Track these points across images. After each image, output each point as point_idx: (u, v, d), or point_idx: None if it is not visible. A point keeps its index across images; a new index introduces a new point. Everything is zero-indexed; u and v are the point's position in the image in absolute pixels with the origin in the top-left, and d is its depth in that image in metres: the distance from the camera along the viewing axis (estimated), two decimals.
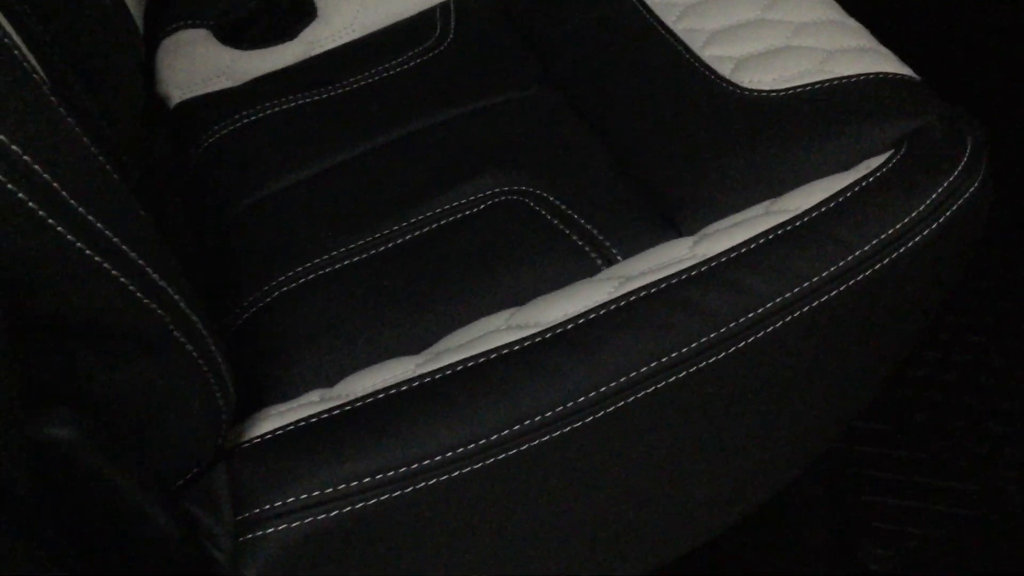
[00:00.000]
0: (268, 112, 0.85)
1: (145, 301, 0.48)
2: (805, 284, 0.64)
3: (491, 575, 0.65)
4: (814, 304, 0.64)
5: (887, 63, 0.76)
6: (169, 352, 0.51)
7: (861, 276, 0.65)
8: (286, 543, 0.57)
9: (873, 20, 0.82)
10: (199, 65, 0.91)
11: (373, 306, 0.69)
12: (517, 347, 0.62)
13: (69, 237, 0.44)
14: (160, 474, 0.55)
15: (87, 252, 0.44)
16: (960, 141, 0.70)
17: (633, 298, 0.63)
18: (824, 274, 0.64)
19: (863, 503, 1.00)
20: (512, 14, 0.90)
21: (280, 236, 0.76)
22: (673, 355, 0.61)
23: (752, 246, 0.65)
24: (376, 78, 0.87)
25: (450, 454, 0.58)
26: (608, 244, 0.71)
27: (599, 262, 0.70)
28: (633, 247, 0.70)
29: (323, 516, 0.57)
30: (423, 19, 0.90)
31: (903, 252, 0.66)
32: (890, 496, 1.00)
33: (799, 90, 0.75)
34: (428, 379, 0.61)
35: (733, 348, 0.62)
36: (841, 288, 0.64)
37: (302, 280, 0.72)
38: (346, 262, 0.73)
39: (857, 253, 0.65)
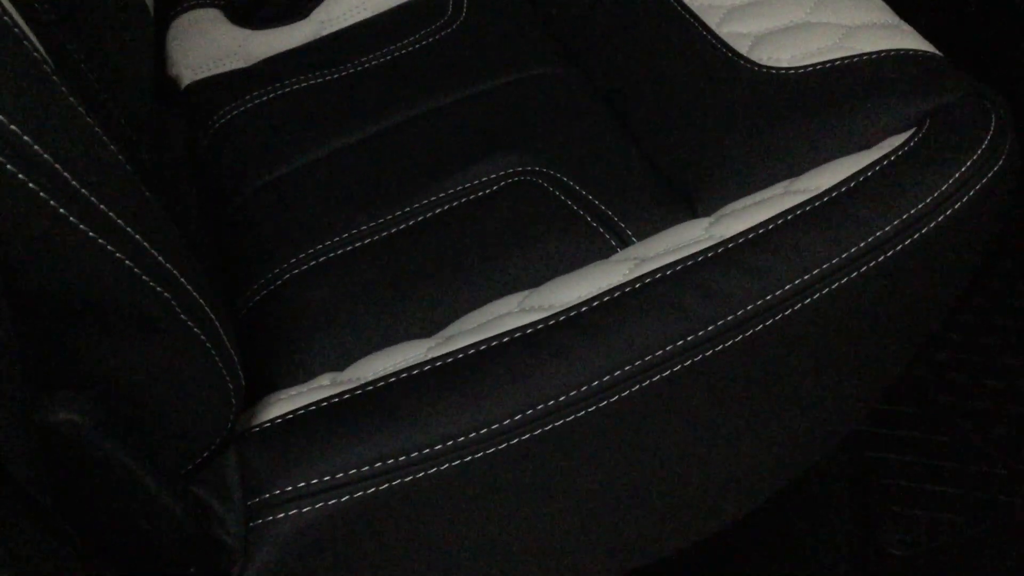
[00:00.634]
0: (279, 93, 0.85)
1: (149, 282, 0.47)
2: (824, 266, 0.62)
3: (503, 561, 0.64)
4: (833, 287, 0.62)
5: (908, 39, 0.74)
6: (175, 334, 0.50)
7: (882, 258, 0.63)
8: (296, 528, 0.56)
9: None
10: (210, 45, 0.90)
11: (384, 288, 0.69)
12: (530, 330, 0.61)
13: (71, 218, 0.43)
14: (169, 459, 0.55)
15: (90, 233, 0.44)
16: (984, 118, 0.68)
17: (648, 280, 0.62)
18: (844, 256, 0.63)
19: (884, 487, 0.98)
20: None
21: (291, 218, 0.75)
22: (688, 339, 0.60)
23: (770, 227, 0.64)
24: (388, 57, 0.86)
25: (462, 439, 0.58)
26: (623, 225, 0.69)
27: (613, 243, 0.69)
28: (648, 228, 0.69)
29: (334, 501, 0.56)
30: None
31: (925, 232, 0.64)
32: (912, 480, 0.98)
33: (818, 67, 0.73)
34: (440, 363, 0.60)
35: (750, 332, 0.61)
36: (861, 270, 0.63)
37: (313, 262, 0.71)
38: (357, 244, 0.72)
39: (878, 234, 0.63)
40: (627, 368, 0.59)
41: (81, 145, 0.44)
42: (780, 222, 0.64)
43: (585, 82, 0.80)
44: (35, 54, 0.43)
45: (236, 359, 0.54)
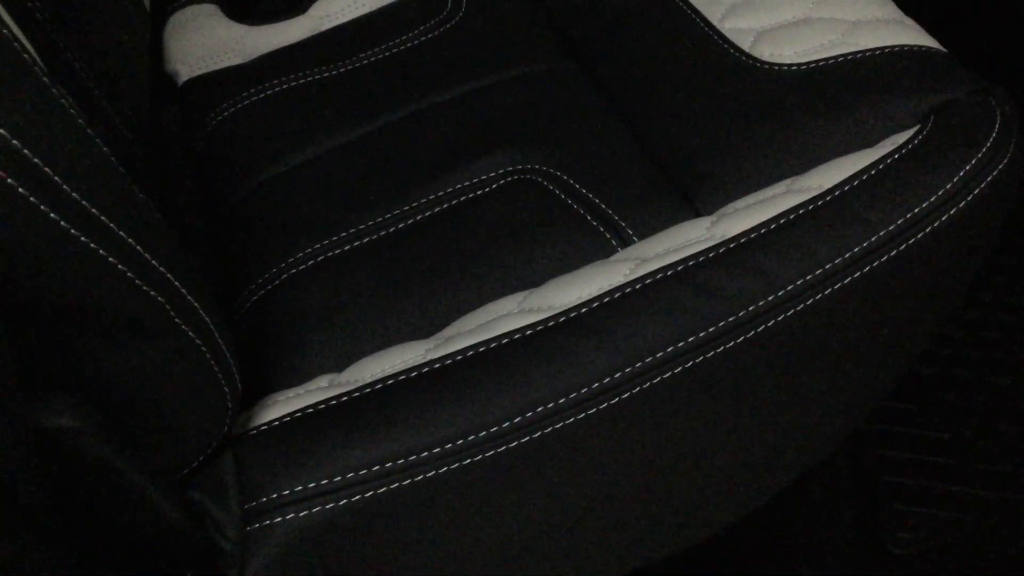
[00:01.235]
0: (277, 89, 0.84)
1: (142, 286, 0.46)
2: (827, 266, 0.62)
3: (504, 564, 0.63)
4: (836, 287, 0.62)
5: (912, 35, 0.74)
6: (170, 338, 0.50)
7: (885, 257, 0.63)
8: (294, 532, 0.56)
9: None
10: (207, 41, 0.89)
11: (383, 288, 0.68)
12: (529, 331, 0.60)
13: (62, 223, 0.42)
14: (165, 462, 0.54)
15: (81, 238, 0.43)
16: (989, 116, 0.67)
17: (649, 281, 0.62)
18: (847, 255, 0.62)
19: (887, 485, 0.98)
20: None
21: (289, 216, 0.74)
22: (690, 340, 0.60)
23: (772, 227, 0.63)
24: (387, 53, 0.85)
25: (460, 442, 0.57)
26: (623, 224, 0.69)
27: (614, 242, 0.68)
28: (649, 227, 0.69)
29: (331, 505, 0.56)
30: None
31: (929, 232, 0.64)
32: (915, 478, 0.98)
33: (821, 64, 0.72)
34: (438, 365, 0.60)
35: (752, 332, 0.61)
36: (864, 270, 0.62)
37: (311, 262, 0.71)
38: (356, 243, 0.71)
39: (881, 234, 0.62)
40: (628, 370, 0.59)
41: (73, 149, 0.44)
42: (782, 222, 0.63)
43: (585, 78, 0.80)
44: (25, 55, 0.43)
45: (232, 362, 0.53)
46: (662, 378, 0.60)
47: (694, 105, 0.74)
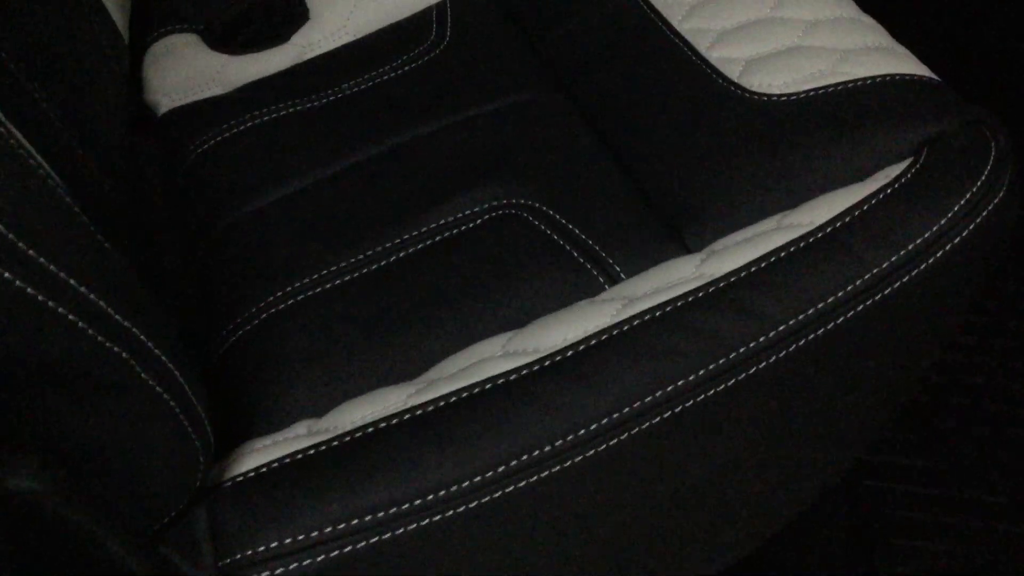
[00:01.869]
0: (258, 121, 0.82)
1: (105, 343, 0.45)
2: (820, 305, 0.60)
3: None
4: (829, 327, 0.60)
5: (905, 63, 0.72)
6: (137, 395, 0.48)
7: (879, 295, 0.61)
8: None
9: (889, 17, 0.77)
10: (187, 71, 0.87)
11: (364, 329, 0.66)
12: (514, 376, 0.59)
13: (17, 282, 0.40)
14: (134, 519, 0.52)
15: (39, 297, 0.41)
16: (983, 147, 0.66)
17: (636, 323, 0.60)
18: (840, 294, 0.60)
19: (882, 516, 0.96)
20: (511, 15, 0.86)
21: (269, 253, 0.72)
22: (679, 384, 0.58)
23: (762, 265, 0.61)
24: (369, 84, 0.83)
25: (443, 492, 0.55)
26: (611, 261, 0.67)
27: (601, 280, 0.66)
28: (637, 264, 0.67)
29: (309, 561, 0.54)
30: (418, 21, 0.87)
31: (924, 268, 0.62)
32: (911, 509, 0.96)
33: (811, 93, 0.71)
34: (420, 411, 0.58)
35: (743, 375, 0.59)
36: (858, 308, 0.61)
37: (291, 301, 0.69)
38: (337, 281, 0.69)
39: (875, 271, 0.61)
40: (615, 416, 0.57)
41: (30, 202, 0.42)
42: (773, 260, 0.62)
43: (572, 109, 0.78)
44: None
45: (204, 416, 0.52)
46: (650, 423, 0.58)
47: (681, 136, 0.72)
